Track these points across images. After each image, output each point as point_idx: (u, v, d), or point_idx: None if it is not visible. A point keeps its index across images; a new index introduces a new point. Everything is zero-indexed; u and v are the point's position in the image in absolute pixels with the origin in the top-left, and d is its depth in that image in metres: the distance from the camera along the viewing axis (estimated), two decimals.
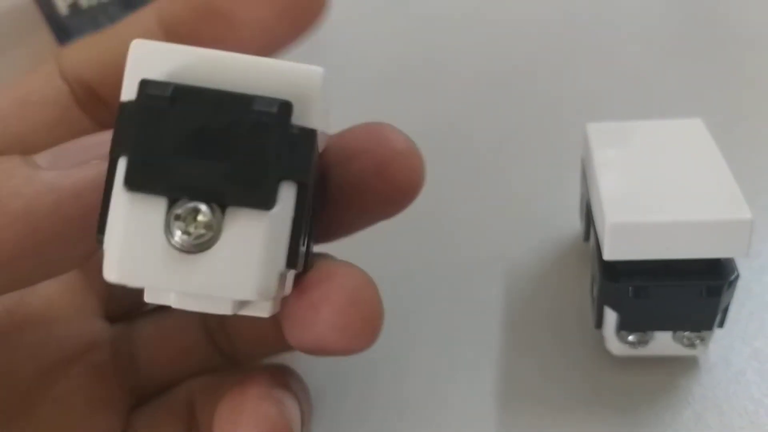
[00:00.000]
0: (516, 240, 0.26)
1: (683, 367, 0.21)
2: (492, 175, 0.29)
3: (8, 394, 0.15)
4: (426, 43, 0.37)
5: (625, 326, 0.20)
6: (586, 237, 0.24)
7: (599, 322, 0.21)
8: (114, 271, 0.12)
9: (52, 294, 0.16)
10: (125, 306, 0.18)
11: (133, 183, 0.12)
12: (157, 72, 0.12)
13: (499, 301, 0.24)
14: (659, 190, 0.19)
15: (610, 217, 0.18)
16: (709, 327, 0.20)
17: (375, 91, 0.34)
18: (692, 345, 0.20)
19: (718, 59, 0.33)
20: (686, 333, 0.20)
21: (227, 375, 0.17)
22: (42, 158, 0.13)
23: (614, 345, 0.21)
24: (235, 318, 0.16)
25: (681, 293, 0.19)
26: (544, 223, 0.26)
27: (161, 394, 0.17)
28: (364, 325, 0.13)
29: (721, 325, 0.20)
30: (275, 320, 0.15)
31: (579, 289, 0.24)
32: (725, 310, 0.20)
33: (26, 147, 0.16)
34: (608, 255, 0.18)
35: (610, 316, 0.20)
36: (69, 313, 0.16)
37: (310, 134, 0.12)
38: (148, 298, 0.13)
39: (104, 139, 0.12)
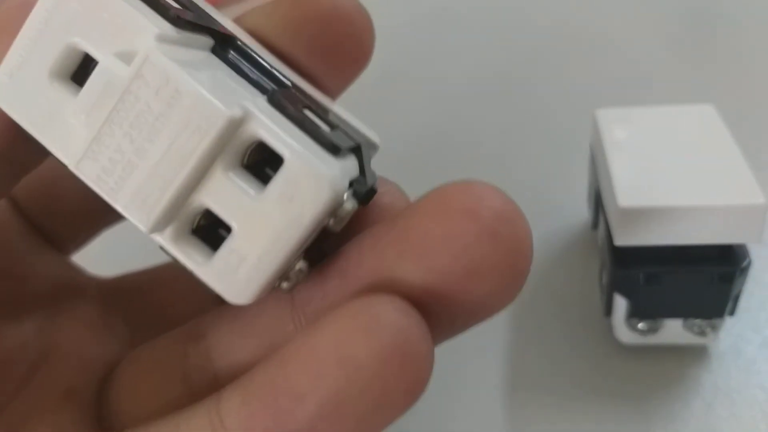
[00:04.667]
0: None
1: (693, 356, 0.21)
2: (498, 164, 0.29)
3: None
4: (432, 32, 0.37)
5: (635, 313, 0.20)
6: (595, 225, 0.24)
7: (608, 310, 0.20)
8: None
9: (68, 330, 0.16)
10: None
11: None
12: None
13: None
14: (671, 175, 0.19)
15: (622, 201, 0.18)
16: (720, 314, 0.19)
17: (381, 78, 0.34)
18: (703, 333, 0.20)
19: (725, 47, 0.33)
20: (697, 321, 0.20)
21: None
22: None
23: (623, 333, 0.20)
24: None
25: (693, 280, 0.19)
26: (551, 212, 0.26)
27: None
28: None
29: (731, 313, 0.20)
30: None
31: (587, 277, 0.23)
32: (736, 298, 0.20)
33: (55, 193, 0.16)
34: (619, 240, 0.18)
35: (620, 304, 0.20)
36: (74, 349, 0.16)
37: None
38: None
39: None
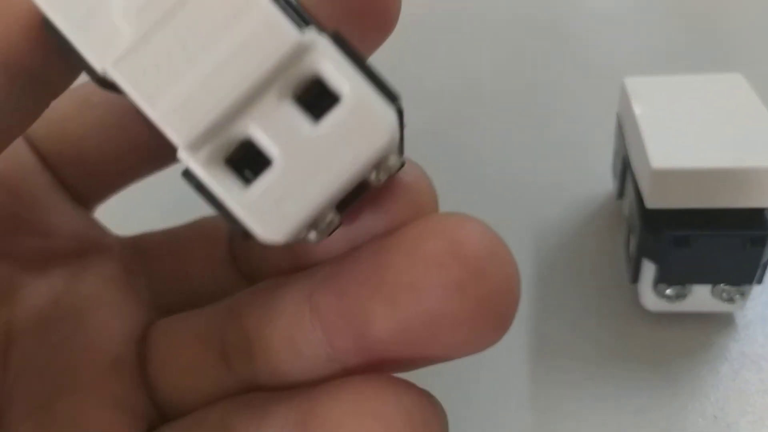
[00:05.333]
0: (547, 197, 0.25)
1: (720, 324, 0.21)
2: (522, 133, 0.29)
3: (35, 385, 0.14)
4: (454, 9, 0.37)
5: (664, 279, 0.20)
6: (620, 194, 0.24)
7: (635, 277, 0.20)
8: None
9: (98, 288, 0.16)
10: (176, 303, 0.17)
11: None
12: None
13: (530, 258, 0.24)
14: (702, 139, 0.19)
15: (654, 163, 0.18)
16: (749, 280, 0.19)
17: (407, 35, 0.33)
18: (731, 300, 0.20)
19: (751, 17, 0.33)
20: (725, 287, 0.20)
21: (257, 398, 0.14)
22: None
23: (650, 300, 0.20)
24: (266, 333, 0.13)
25: (723, 244, 0.19)
26: (576, 181, 0.26)
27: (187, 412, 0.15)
28: None
29: (760, 280, 0.20)
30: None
31: (611, 246, 0.23)
32: (765, 265, 0.19)
33: (82, 150, 0.16)
34: (650, 203, 0.18)
35: (648, 270, 0.20)
36: (109, 310, 0.16)
37: None
38: None
39: None
